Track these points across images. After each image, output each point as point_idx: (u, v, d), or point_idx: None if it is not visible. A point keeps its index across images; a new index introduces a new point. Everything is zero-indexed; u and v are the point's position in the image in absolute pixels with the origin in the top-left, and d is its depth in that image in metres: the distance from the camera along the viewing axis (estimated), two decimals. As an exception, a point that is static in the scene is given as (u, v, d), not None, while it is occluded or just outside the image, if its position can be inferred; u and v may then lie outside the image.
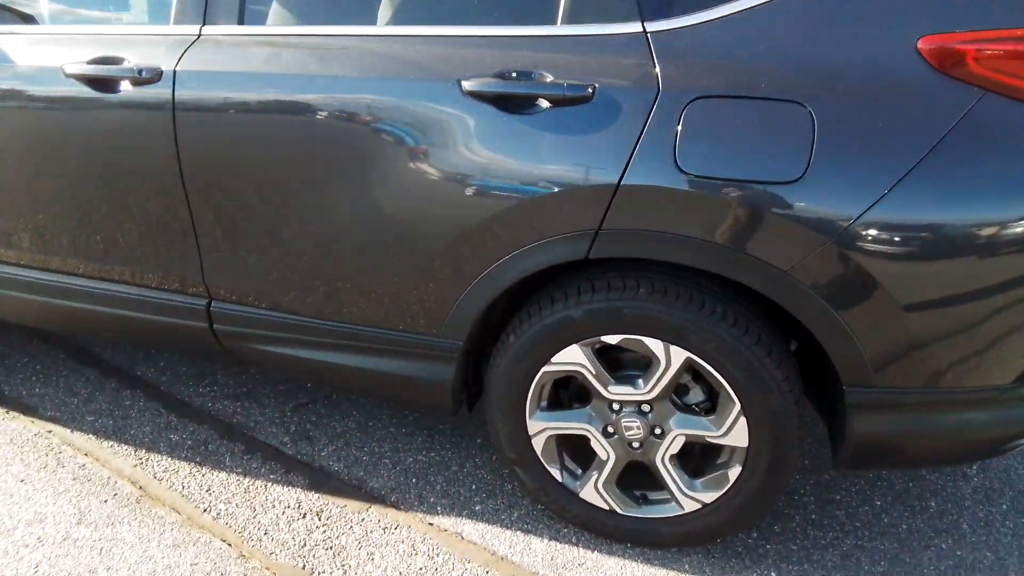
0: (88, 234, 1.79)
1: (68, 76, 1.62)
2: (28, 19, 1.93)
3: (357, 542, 1.76)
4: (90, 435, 2.11)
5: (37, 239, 1.86)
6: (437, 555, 1.73)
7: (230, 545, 1.73)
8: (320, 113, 1.48)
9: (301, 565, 1.69)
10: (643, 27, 1.34)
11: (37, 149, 1.72)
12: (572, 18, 1.39)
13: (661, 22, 1.34)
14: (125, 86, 1.58)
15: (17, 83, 1.69)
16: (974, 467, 2.09)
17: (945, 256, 1.27)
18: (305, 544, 1.75)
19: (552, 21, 1.40)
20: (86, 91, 1.61)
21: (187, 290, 1.80)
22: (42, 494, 1.87)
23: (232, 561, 1.69)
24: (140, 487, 1.91)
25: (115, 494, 1.88)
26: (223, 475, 1.96)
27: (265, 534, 1.77)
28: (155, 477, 1.95)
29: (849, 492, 1.96)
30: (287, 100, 1.50)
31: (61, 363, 2.46)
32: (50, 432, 2.11)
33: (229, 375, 2.41)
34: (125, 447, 2.06)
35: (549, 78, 1.36)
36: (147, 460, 2.01)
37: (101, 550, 1.70)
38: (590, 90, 1.34)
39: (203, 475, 1.96)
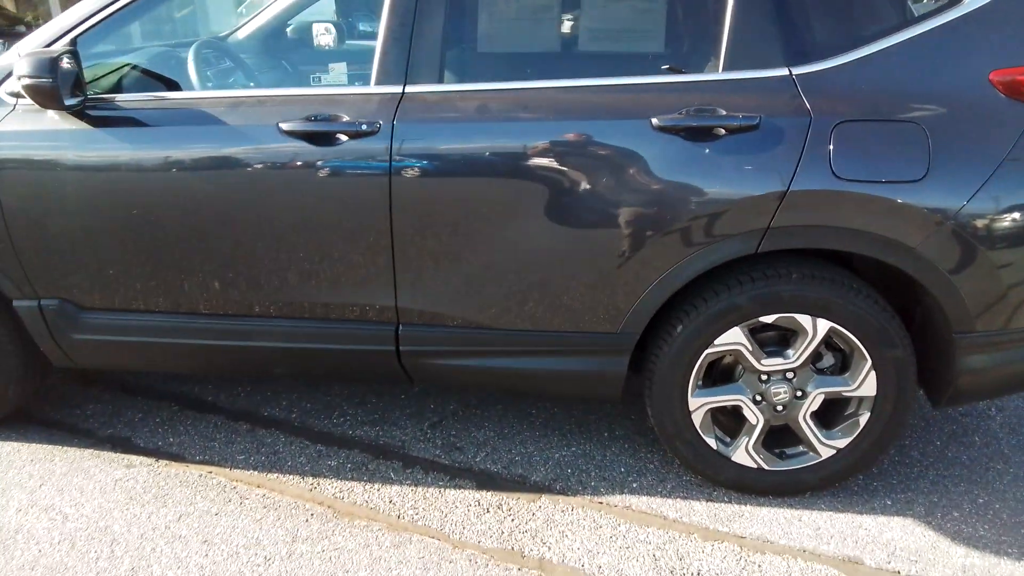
0: (284, 274, 1.97)
1: (284, 132, 1.83)
2: (193, 85, 2.11)
3: (545, 524, 2.00)
4: (251, 471, 2.22)
5: (235, 286, 2.01)
6: (619, 526, 2.00)
7: (439, 540, 1.93)
8: (528, 150, 1.79)
9: (510, 547, 1.91)
10: (789, 71, 1.75)
11: (243, 199, 1.90)
12: (730, 66, 1.78)
13: (803, 67, 1.75)
14: (343, 139, 1.82)
15: (227, 140, 1.87)
16: (993, 409, 2.60)
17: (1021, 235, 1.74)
18: (502, 532, 1.97)
19: (715, 70, 1.79)
20: (302, 145, 1.83)
21: (374, 317, 2.01)
22: (243, 522, 1.98)
23: (450, 551, 1.89)
24: (328, 507, 2.06)
25: (311, 514, 2.02)
26: (397, 488, 2.14)
27: (464, 528, 1.98)
28: (336, 497, 2.10)
29: (915, 439, 2.40)
30: (499, 142, 1.79)
31: (178, 413, 2.53)
32: (210, 473, 2.21)
33: (354, 406, 2.57)
34: (291, 477, 2.19)
35: (723, 112, 1.74)
36: (318, 485, 2.16)
37: (330, 558, 1.85)
38: (758, 120, 1.73)
39: (378, 490, 2.13)
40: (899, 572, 1.84)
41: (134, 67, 2.15)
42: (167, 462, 2.26)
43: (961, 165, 1.72)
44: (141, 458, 2.27)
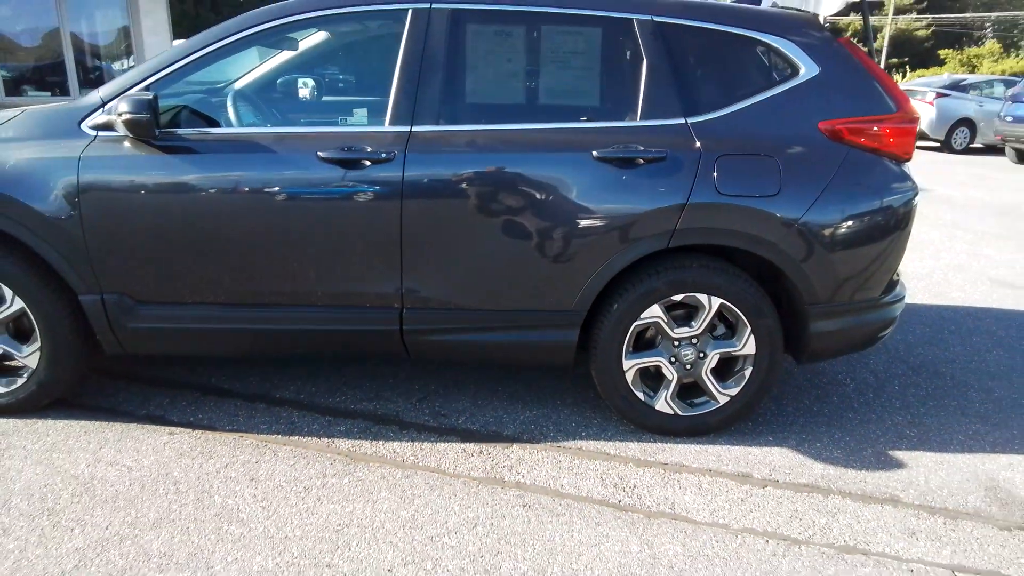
0: (315, 269, 2.53)
1: (321, 159, 2.43)
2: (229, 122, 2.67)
3: (518, 462, 2.60)
4: (276, 435, 2.72)
5: (273, 280, 2.54)
6: (573, 460, 2.62)
7: (439, 473, 2.49)
8: (503, 174, 2.46)
9: (493, 476, 2.49)
10: (686, 120, 2.51)
11: (286, 211, 2.47)
12: (647, 115, 2.52)
13: (695, 118, 2.51)
14: (367, 164, 2.43)
15: (275, 165, 2.45)
16: (848, 379, 3.39)
17: (844, 232, 2.53)
18: (486, 467, 2.55)
19: (635, 119, 2.52)
20: (336, 169, 2.43)
21: (383, 303, 2.59)
22: (280, 466, 2.48)
23: (448, 479, 2.45)
24: (345, 455, 2.59)
25: (333, 460, 2.54)
26: (397, 443, 2.69)
27: (456, 466, 2.55)
28: (350, 450, 2.63)
29: (789, 398, 3.15)
30: (483, 167, 2.45)
31: (201, 398, 2.99)
32: (241, 437, 2.69)
33: (352, 387, 3.10)
34: (309, 438, 2.70)
35: (641, 147, 2.47)
36: (333, 443, 2.68)
37: (356, 485, 2.38)
38: (665, 154, 2.46)
39: (383, 445, 2.67)
40: (777, 480, 2.54)
41: (186, 107, 2.69)
42: (202, 431, 2.72)
43: (801, 186, 2.50)
44: (179, 428, 2.73)
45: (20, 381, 2.69)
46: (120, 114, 2.30)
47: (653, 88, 2.53)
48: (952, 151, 14.34)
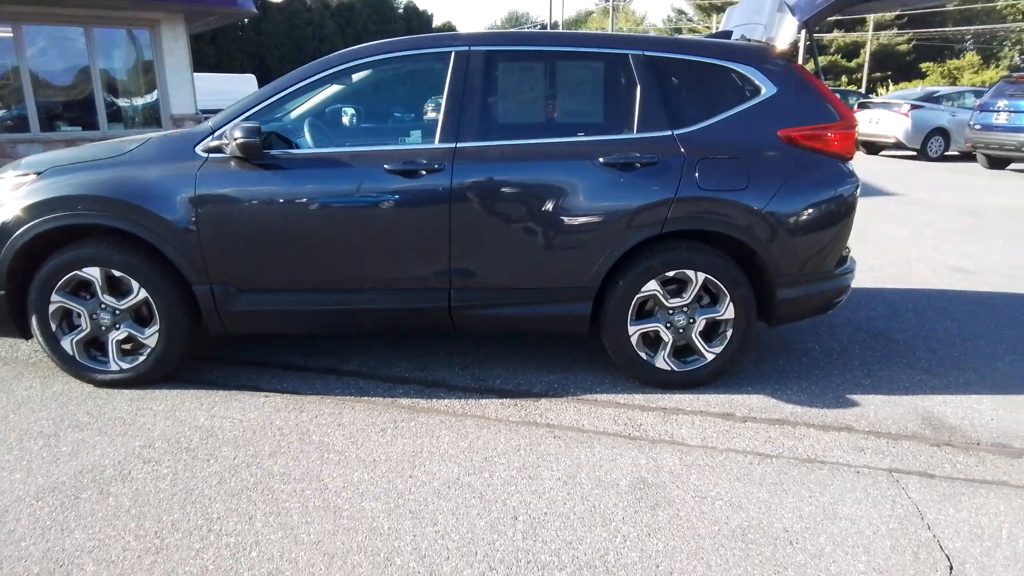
0: (382, 258, 3.18)
1: (387, 171, 3.09)
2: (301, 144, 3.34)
3: (547, 410, 3.22)
4: (347, 397, 3.34)
5: (349, 269, 3.19)
6: (591, 408, 3.25)
7: (484, 418, 3.12)
8: (532, 177, 3.12)
9: (528, 420, 3.12)
10: (672, 132, 3.18)
11: (361, 212, 3.13)
12: (641, 129, 3.19)
13: (679, 130, 3.19)
14: (423, 174, 3.09)
15: (354, 177, 3.11)
16: (817, 346, 4.03)
17: (802, 219, 3.20)
18: (521, 414, 3.18)
19: (632, 132, 3.20)
20: (399, 178, 3.09)
21: (436, 285, 3.24)
22: (359, 416, 3.11)
23: (492, 422, 3.08)
24: (408, 409, 3.22)
25: (399, 411, 3.17)
26: (448, 400, 3.32)
27: (497, 413, 3.17)
28: (410, 406, 3.26)
29: (763, 361, 3.79)
30: (514, 174, 3.12)
31: (281, 373, 3.62)
32: (322, 399, 3.32)
33: (404, 361, 3.74)
34: (376, 399, 3.33)
35: (637, 154, 3.14)
36: (396, 401, 3.30)
37: (421, 426, 3.01)
38: (656, 159, 3.13)
39: (437, 401, 3.30)
40: (755, 417, 3.17)
41: (273, 132, 3.35)
42: (289, 395, 3.35)
43: (764, 182, 3.17)
44: (271, 393, 3.36)
45: (141, 358, 3.33)
46: (235, 139, 2.97)
47: (645, 108, 3.21)
48: (928, 159, 15.13)
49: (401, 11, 52.42)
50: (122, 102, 12.82)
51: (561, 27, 60.12)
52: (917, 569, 2.19)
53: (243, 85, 35.06)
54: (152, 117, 13.11)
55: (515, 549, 2.25)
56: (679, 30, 53.63)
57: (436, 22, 54.66)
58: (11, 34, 11.64)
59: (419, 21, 52.56)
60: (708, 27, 47.34)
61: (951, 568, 2.20)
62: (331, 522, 2.37)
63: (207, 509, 2.44)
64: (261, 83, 36.22)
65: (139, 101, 12.78)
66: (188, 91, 13.13)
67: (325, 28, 44.84)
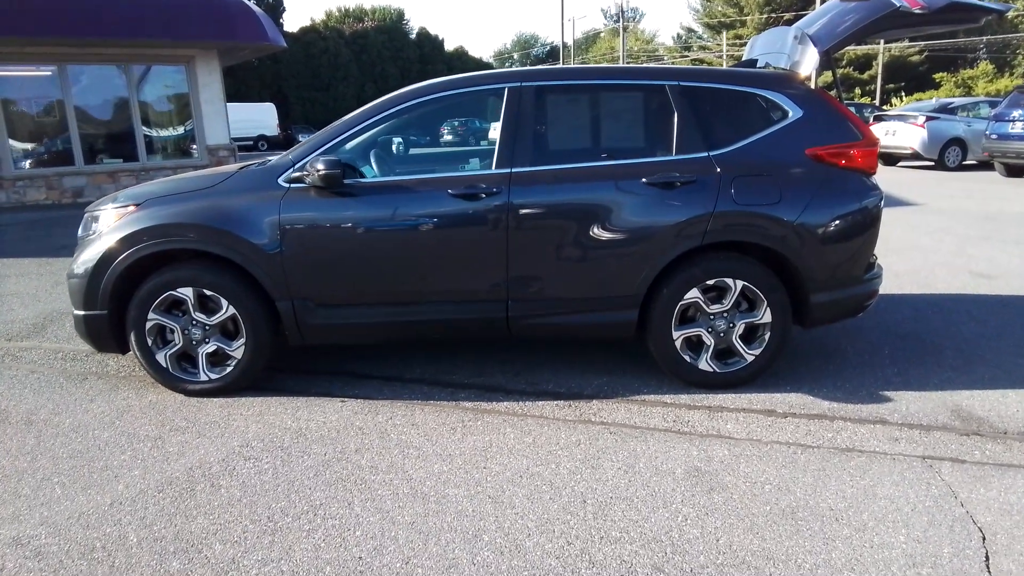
0: (446, 273, 3.50)
1: (451, 195, 3.42)
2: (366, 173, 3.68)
3: (600, 410, 3.50)
4: (414, 401, 3.64)
5: (416, 283, 3.51)
6: (641, 407, 3.52)
7: (543, 418, 3.40)
8: (581, 197, 3.43)
9: (583, 419, 3.40)
10: (708, 154, 3.49)
11: (428, 232, 3.45)
12: (679, 151, 3.50)
13: (715, 151, 3.49)
14: (483, 196, 3.41)
15: (421, 201, 3.44)
16: (849, 348, 4.28)
17: (831, 230, 3.48)
18: (576, 414, 3.45)
19: (671, 154, 3.50)
20: (461, 201, 3.42)
21: (494, 296, 3.54)
22: (430, 417, 3.41)
23: (550, 421, 3.36)
24: (472, 411, 3.51)
25: (465, 412, 3.46)
26: (506, 403, 3.61)
27: (554, 414, 3.46)
28: (475, 407, 3.55)
29: (799, 362, 4.05)
30: (564, 195, 3.43)
31: (351, 380, 3.93)
32: (392, 402, 3.62)
33: (461, 368, 4.04)
34: (442, 402, 3.63)
35: (677, 174, 3.44)
36: (460, 404, 3.60)
37: (487, 424, 3.30)
38: (695, 178, 3.44)
39: (496, 404, 3.59)
40: (795, 413, 3.43)
41: (346, 163, 3.69)
42: (363, 400, 3.66)
43: (795, 197, 3.46)
44: (347, 399, 3.67)
45: (228, 369, 3.66)
46: (318, 171, 3.31)
47: (683, 132, 3.52)
48: (946, 169, 15.30)
49: (413, 37, 53.47)
50: (159, 133, 13.39)
51: (572, 49, 60.94)
52: (952, 539, 2.44)
53: (265, 114, 36.11)
54: (186, 148, 13.69)
55: (588, 527, 2.53)
56: (689, 47, 54.24)
57: (448, 46, 55.64)
58: (57, 73, 12.26)
59: (432, 46, 53.57)
60: (718, 43, 47.87)
61: (984, 538, 2.44)
62: (421, 506, 2.66)
63: (310, 497, 2.74)
64: (280, 111, 37.45)
65: (174, 132, 13.36)
66: (222, 122, 13.69)
67: (340, 56, 45.91)
